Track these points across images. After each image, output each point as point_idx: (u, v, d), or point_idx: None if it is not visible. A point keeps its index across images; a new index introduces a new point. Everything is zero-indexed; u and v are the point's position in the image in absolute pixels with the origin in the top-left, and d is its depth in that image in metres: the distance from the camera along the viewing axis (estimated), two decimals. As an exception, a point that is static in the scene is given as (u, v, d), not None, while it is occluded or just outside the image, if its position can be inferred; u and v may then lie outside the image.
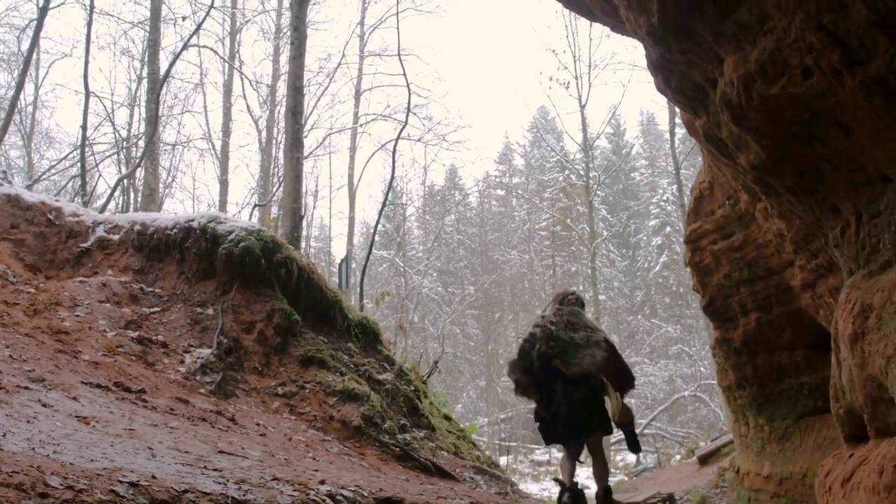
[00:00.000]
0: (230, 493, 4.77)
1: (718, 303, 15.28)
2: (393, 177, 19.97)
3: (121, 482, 4.36)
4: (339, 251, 53.33)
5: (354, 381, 11.09)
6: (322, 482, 6.06)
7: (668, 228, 61.22)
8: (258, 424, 9.14)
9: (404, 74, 19.93)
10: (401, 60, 20.05)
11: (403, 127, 20.88)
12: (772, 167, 4.88)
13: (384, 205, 21.45)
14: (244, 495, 4.85)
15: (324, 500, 5.38)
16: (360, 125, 37.71)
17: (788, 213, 11.02)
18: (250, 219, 23.15)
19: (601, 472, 8.62)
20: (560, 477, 8.60)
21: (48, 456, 4.73)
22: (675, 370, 49.08)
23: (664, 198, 62.73)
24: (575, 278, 60.45)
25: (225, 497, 4.70)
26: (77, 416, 6.51)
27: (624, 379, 8.56)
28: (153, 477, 4.68)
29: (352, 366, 11.71)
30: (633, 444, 8.81)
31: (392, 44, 43.42)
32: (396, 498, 6.49)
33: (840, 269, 10.61)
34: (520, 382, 8.42)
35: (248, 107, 37.26)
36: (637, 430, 9.61)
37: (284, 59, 35.66)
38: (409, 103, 19.85)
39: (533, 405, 8.71)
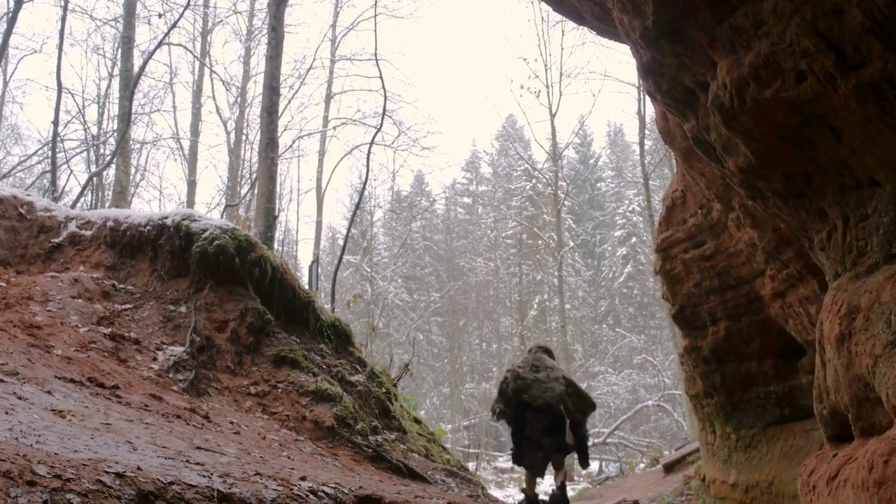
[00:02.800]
0: (216, 486, 4.75)
1: (688, 311, 15.37)
2: (367, 180, 19.81)
3: (107, 472, 4.33)
4: (305, 256, 53.21)
5: (327, 382, 11.07)
6: (303, 479, 6.05)
7: (634, 239, 61.59)
8: (232, 423, 9.09)
9: (380, 77, 19.88)
10: (377, 63, 19.98)
11: (378, 131, 20.82)
12: (760, 170, 4.93)
13: (357, 206, 21.37)
14: (230, 488, 4.83)
15: (307, 496, 5.37)
16: (331, 128, 37.64)
17: (771, 219, 11.14)
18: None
19: (561, 478, 10.73)
20: (524, 487, 11.16)
21: (32, 446, 4.69)
22: (639, 380, 49.33)
23: (630, 208, 63.09)
24: (540, 286, 60.67)
25: (210, 490, 4.68)
26: (53, 410, 6.45)
27: (584, 404, 10.89)
28: (138, 468, 4.65)
29: (324, 366, 11.68)
30: (584, 459, 11.04)
31: (363, 48, 43.51)
32: (376, 496, 6.48)
33: (810, 280, 10.78)
34: (500, 413, 10.80)
35: (217, 108, 37.14)
36: (601, 440, 12.49)
37: (255, 61, 35.67)
38: (384, 106, 19.76)
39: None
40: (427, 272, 70.09)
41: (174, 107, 36.66)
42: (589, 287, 68.18)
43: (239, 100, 35.81)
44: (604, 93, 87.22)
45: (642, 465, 29.22)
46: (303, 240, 58.44)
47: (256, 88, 34.53)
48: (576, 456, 10.99)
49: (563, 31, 38.60)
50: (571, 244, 58.29)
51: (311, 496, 5.42)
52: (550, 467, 11.02)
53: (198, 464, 5.53)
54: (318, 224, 37.40)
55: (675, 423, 39.43)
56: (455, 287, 61.48)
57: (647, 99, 32.09)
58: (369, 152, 20.08)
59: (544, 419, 10.38)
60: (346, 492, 6.18)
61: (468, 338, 67.34)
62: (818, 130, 4.43)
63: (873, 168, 4.34)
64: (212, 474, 5.10)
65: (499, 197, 69.66)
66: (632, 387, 48.63)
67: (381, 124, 20.42)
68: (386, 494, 6.73)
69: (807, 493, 5.11)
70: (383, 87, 19.88)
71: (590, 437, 12.00)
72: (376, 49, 20.91)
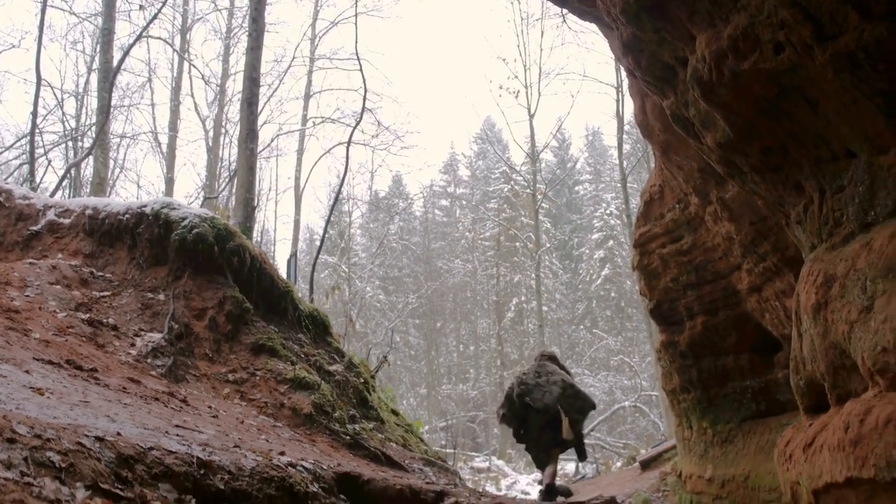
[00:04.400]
0: (195, 454, 4.77)
1: (665, 306, 15.44)
2: (346, 172, 19.77)
3: (87, 436, 4.34)
4: (282, 256, 53.00)
5: (305, 371, 11.08)
6: (282, 454, 6.07)
7: (611, 242, 61.79)
8: (210, 407, 9.09)
9: (360, 70, 19.85)
10: (357, 55, 19.95)
11: (357, 123, 20.74)
12: (738, 145, 4.99)
13: (337, 197, 21.32)
14: (209, 456, 4.84)
15: (286, 467, 5.39)
16: (311, 126, 37.62)
17: (747, 212, 11.25)
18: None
19: (552, 472, 11.71)
20: (541, 478, 12.17)
21: (12, 410, 4.69)
22: (615, 382, 49.56)
23: (608, 211, 63.31)
24: (518, 289, 60.75)
25: (190, 456, 4.69)
26: (31, 388, 6.43)
27: (583, 404, 12.01)
28: (118, 434, 4.66)
29: (302, 356, 11.69)
30: (581, 454, 12.45)
31: (342, 47, 43.39)
32: (354, 473, 6.52)
33: (787, 273, 10.85)
34: (505, 416, 11.93)
35: (195, 105, 37.03)
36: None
37: (234, 59, 35.55)
38: (364, 98, 19.77)
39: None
40: (405, 273, 70.08)
41: (153, 104, 36.53)
42: (566, 290, 68.33)
43: (218, 98, 35.72)
44: (583, 93, 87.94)
45: (619, 464, 29.31)
46: (281, 240, 58.16)
47: (235, 87, 34.54)
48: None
49: (542, 32, 38.76)
50: (549, 245, 58.42)
51: (290, 468, 5.45)
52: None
53: (178, 435, 5.54)
54: (297, 223, 37.36)
55: (652, 425, 39.57)
56: (432, 287, 61.43)
57: (626, 99, 32.29)
58: (348, 145, 19.98)
59: (544, 419, 11.43)
60: (325, 468, 6.21)
61: (445, 339, 67.37)
62: (795, 102, 4.49)
63: (848, 138, 4.40)
64: (191, 443, 5.12)
65: (477, 198, 69.74)
66: (608, 389, 48.83)
67: (361, 117, 20.40)
68: (364, 472, 6.76)
69: (783, 463, 5.17)
70: (362, 78, 19.83)
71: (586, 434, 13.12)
72: (356, 42, 20.91)
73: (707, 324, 14.54)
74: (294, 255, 21.32)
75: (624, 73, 14.26)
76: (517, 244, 57.11)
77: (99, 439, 4.35)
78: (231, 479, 4.78)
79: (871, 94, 4.06)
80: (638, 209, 16.41)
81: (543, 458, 11.84)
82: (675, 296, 15.12)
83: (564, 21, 32.78)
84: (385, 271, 66.25)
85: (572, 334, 62.43)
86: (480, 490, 11.60)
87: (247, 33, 17.75)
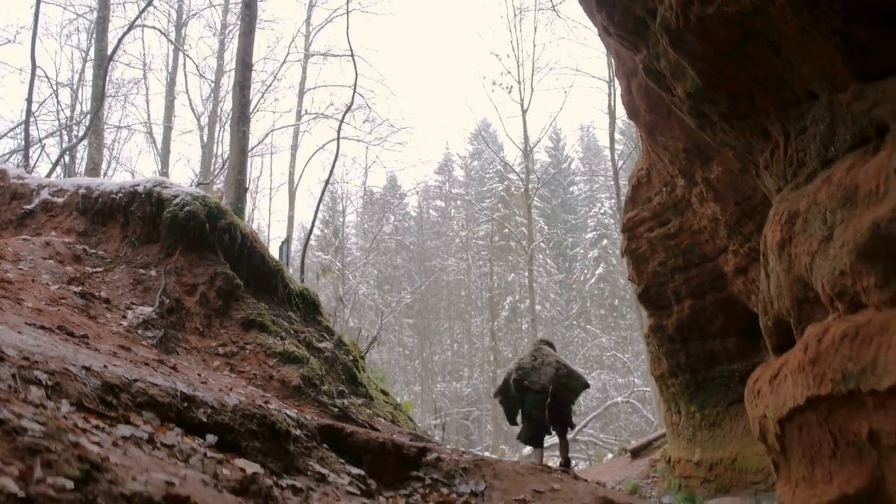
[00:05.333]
0: (179, 388, 4.91)
1: (653, 290, 15.64)
2: (337, 155, 19.81)
3: (73, 365, 4.48)
4: (276, 253, 52.96)
5: (294, 346, 11.20)
6: (266, 402, 6.21)
7: (605, 241, 62.00)
8: (199, 375, 9.20)
9: (351, 53, 19.93)
10: (348, 37, 20.10)
11: (349, 108, 20.82)
12: (707, 93, 5.15)
13: (328, 180, 21.39)
14: (193, 391, 4.99)
15: (268, 408, 5.53)
16: (305, 122, 37.78)
17: (732, 192, 11.43)
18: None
19: (565, 447, 13.00)
20: (533, 461, 12.37)
21: (2, 340, 4.84)
22: (609, 380, 49.71)
23: (602, 211, 63.54)
24: (512, 287, 60.92)
25: (174, 390, 4.83)
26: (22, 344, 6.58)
27: (576, 383, 12.73)
28: (104, 367, 4.81)
29: (292, 332, 11.81)
30: (565, 431, 12.92)
31: (336, 45, 43.55)
32: (338, 426, 6.65)
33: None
34: (505, 398, 12.88)
35: (190, 101, 37.21)
36: (570, 436, 14.84)
37: (229, 55, 35.59)
38: (355, 84, 19.92)
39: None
40: (400, 273, 70.26)
41: (147, 101, 36.81)
42: (560, 289, 68.52)
43: (213, 94, 35.87)
44: (576, 88, 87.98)
45: (611, 456, 29.46)
46: (275, 238, 58.24)
47: (230, 83, 34.60)
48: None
49: (535, 27, 38.95)
50: (541, 240, 58.52)
51: (272, 409, 5.59)
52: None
53: (161, 374, 5.68)
54: (290, 219, 37.43)
55: (645, 420, 39.70)
56: (427, 283, 61.63)
57: (617, 94, 32.37)
58: (339, 127, 20.11)
59: (541, 399, 12.14)
60: (309, 419, 6.35)
61: (440, 338, 67.59)
62: (758, 46, 4.64)
63: (809, 79, 4.56)
64: (175, 381, 5.26)
65: (471, 195, 69.93)
66: (602, 386, 48.98)
67: (353, 101, 20.49)
68: (347, 426, 6.89)
69: (752, 400, 5.33)
70: (352, 56, 19.87)
71: (575, 413, 14.19)
72: (347, 28, 21.01)
73: (694, 307, 14.72)
74: (287, 240, 21.52)
75: (616, 71, 14.43)
76: (512, 243, 57.30)
77: (86, 368, 4.50)
78: (214, 413, 4.92)
79: (828, 34, 4.22)
80: (626, 194, 16.60)
81: (538, 436, 12.57)
82: (662, 280, 15.31)
83: (554, 9, 32.97)
84: (380, 270, 66.39)
85: (566, 333, 62.57)
86: (462, 449, 11.78)
87: (240, 20, 17.94)
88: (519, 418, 12.97)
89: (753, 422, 5.35)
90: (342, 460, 5.99)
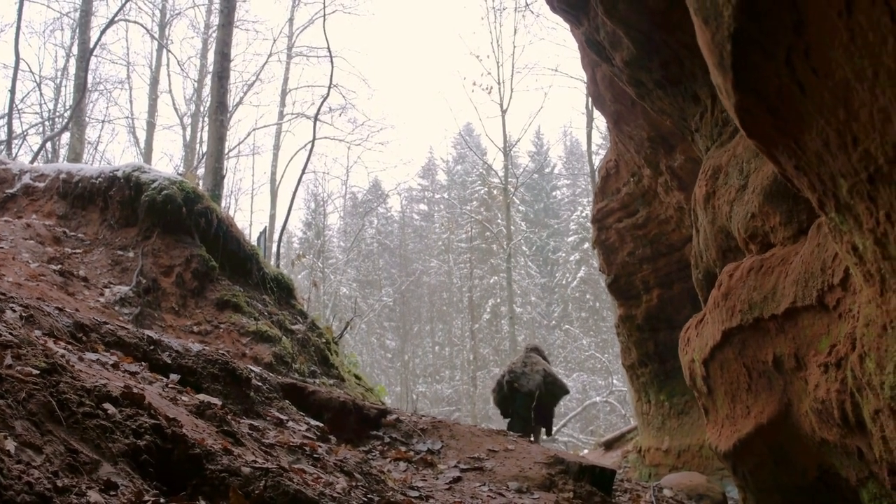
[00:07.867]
0: (146, 333, 5.23)
1: (623, 280, 15.97)
2: (313, 142, 20.09)
3: (46, 305, 4.79)
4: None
5: (267, 326, 11.50)
6: (235, 357, 6.52)
7: (587, 244, 62.27)
8: (173, 348, 9.54)
9: (328, 46, 20.23)
10: (324, 29, 20.40)
11: (324, 99, 21.19)
12: (641, 61, 5.50)
13: (306, 165, 21.62)
14: (159, 336, 5.31)
15: (231, 357, 5.86)
16: (287, 120, 38.07)
17: (660, 116, 11.74)
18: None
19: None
20: None
21: (-21, 288, 5.14)
22: (589, 381, 49.94)
23: (584, 214, 63.80)
24: (493, 290, 61.20)
25: (141, 333, 5.16)
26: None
27: (558, 390, 14.86)
28: (76, 310, 5.12)
29: (266, 314, 12.11)
30: (549, 428, 15.21)
31: (319, 44, 43.79)
32: (300, 385, 6.97)
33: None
34: (498, 395, 14.75)
35: (173, 100, 37.49)
36: (549, 437, 16.93)
37: (212, 56, 35.89)
38: (331, 73, 20.24)
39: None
40: (382, 276, 70.42)
41: (130, 101, 37.10)
42: (542, 292, 68.79)
43: (196, 94, 36.12)
44: (555, 89, 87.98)
45: (586, 451, 29.73)
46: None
47: (212, 73, 34.77)
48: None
49: (515, 29, 39.25)
50: (520, 238, 58.83)
51: (236, 360, 5.91)
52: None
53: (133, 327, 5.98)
54: (272, 217, 37.58)
55: (623, 420, 39.98)
56: (408, 282, 61.84)
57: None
58: (317, 115, 20.42)
59: (528, 400, 14.00)
60: (272, 376, 6.67)
61: (421, 341, 67.77)
62: (683, 13, 4.98)
63: (732, 42, 4.90)
64: (144, 331, 5.58)
65: (453, 197, 70.22)
66: (582, 388, 49.21)
67: (329, 92, 20.81)
68: (309, 385, 7.21)
69: (683, 348, 5.67)
70: (328, 49, 20.19)
71: (555, 416, 16.66)
72: (324, 20, 21.34)
73: (663, 297, 15.07)
74: (264, 231, 21.77)
75: (581, 61, 14.74)
76: (493, 246, 57.58)
77: (59, 309, 4.82)
78: (178, 357, 5.25)
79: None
80: (595, 185, 16.93)
81: (527, 430, 13.85)
82: (632, 270, 15.65)
83: (528, 6, 33.35)
84: (363, 276, 66.58)
85: (547, 335, 62.81)
86: (422, 413, 12.12)
87: (220, 12, 18.23)
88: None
89: (685, 369, 5.68)
90: (303, 413, 6.32)
